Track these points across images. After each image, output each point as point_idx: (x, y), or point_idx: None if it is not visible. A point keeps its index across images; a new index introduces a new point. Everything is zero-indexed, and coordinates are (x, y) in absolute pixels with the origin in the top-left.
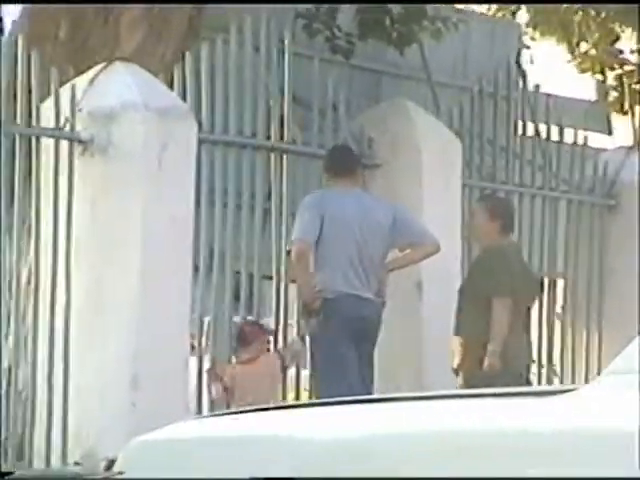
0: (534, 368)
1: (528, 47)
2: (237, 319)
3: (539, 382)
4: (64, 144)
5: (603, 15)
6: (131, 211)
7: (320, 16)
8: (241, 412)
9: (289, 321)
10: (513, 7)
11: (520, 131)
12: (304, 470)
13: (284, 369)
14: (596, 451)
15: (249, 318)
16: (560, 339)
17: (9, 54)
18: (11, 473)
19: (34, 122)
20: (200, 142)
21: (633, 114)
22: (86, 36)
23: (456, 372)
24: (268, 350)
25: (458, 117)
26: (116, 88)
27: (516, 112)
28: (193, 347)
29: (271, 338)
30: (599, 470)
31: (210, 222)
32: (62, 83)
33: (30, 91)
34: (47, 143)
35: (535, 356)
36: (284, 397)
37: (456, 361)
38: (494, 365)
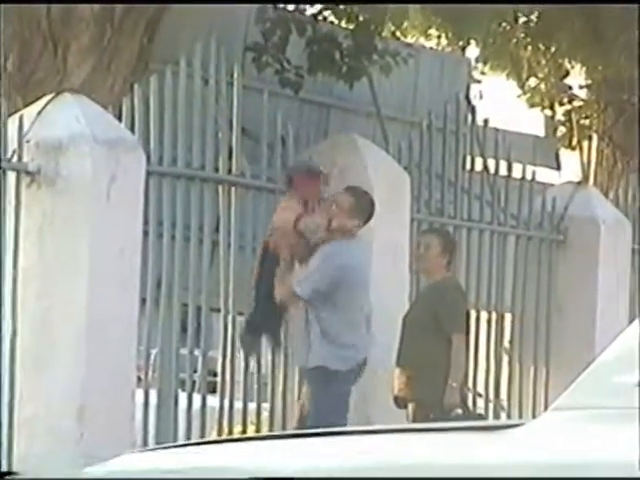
0: (481, 402)
1: (478, 82)
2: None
3: (486, 416)
4: (11, 175)
5: (553, 50)
6: (79, 243)
7: (269, 49)
8: (188, 445)
9: (236, 354)
10: (463, 42)
11: (469, 166)
12: None
13: None
14: None
15: None
16: (507, 374)
17: None
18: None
19: None
20: (148, 174)
21: (581, 149)
22: (34, 67)
23: (398, 403)
24: None
25: (407, 151)
26: (64, 119)
27: (465, 147)
28: (140, 379)
29: None
30: None
31: (158, 254)
32: (10, 114)
33: None
34: None
35: (482, 390)
36: (230, 431)
37: (401, 391)
38: (455, 400)
